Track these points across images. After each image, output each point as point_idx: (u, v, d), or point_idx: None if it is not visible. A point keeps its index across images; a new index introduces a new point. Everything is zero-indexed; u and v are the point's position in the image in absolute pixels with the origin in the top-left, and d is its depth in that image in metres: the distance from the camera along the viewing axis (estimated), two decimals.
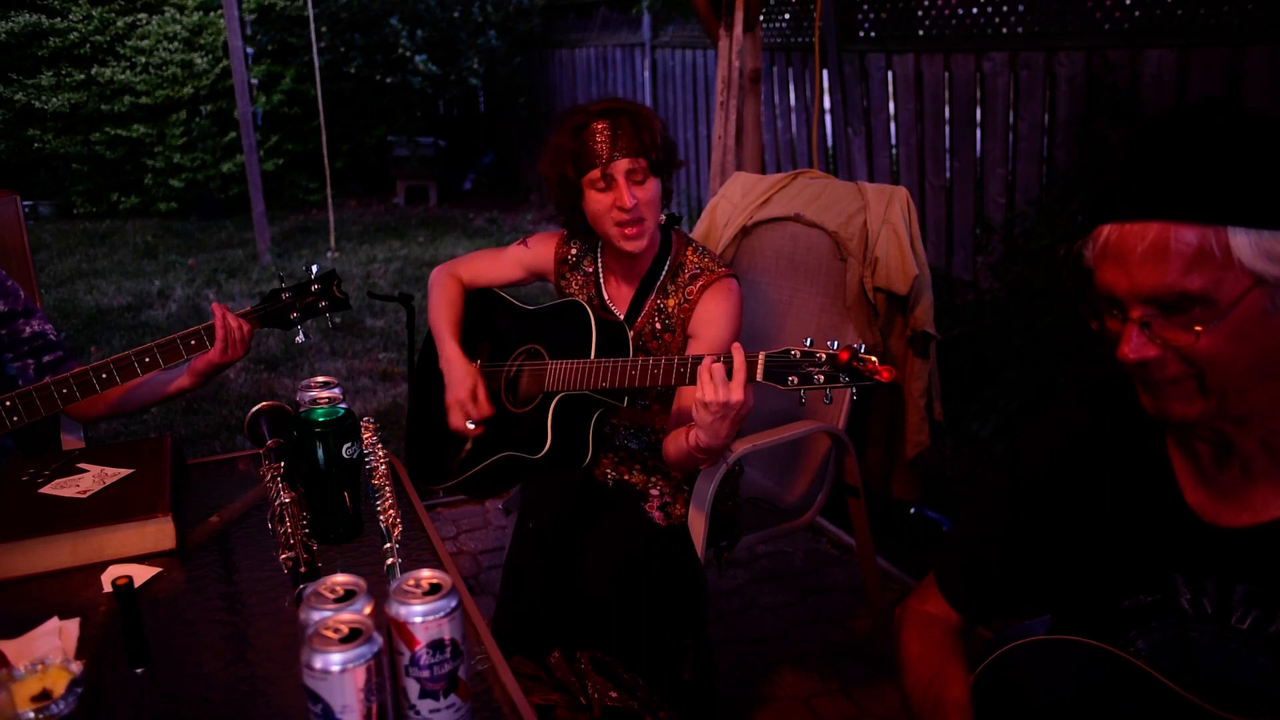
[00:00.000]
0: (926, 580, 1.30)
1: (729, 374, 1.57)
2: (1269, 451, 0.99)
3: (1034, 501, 1.17)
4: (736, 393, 1.56)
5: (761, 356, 1.57)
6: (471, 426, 1.97)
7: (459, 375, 2.00)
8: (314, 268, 1.87)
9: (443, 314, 2.11)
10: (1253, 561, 1.00)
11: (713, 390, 1.56)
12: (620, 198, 1.83)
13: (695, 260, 1.98)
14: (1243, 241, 0.88)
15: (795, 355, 1.55)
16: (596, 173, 1.83)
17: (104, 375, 1.72)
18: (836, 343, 1.53)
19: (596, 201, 1.87)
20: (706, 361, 1.59)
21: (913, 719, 1.16)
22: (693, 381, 1.65)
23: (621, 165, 1.83)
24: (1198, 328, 0.91)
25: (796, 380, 1.53)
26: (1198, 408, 0.96)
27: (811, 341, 1.55)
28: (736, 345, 1.60)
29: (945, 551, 1.29)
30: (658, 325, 1.98)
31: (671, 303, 1.97)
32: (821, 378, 1.52)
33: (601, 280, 2.06)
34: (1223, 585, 1.01)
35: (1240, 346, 0.92)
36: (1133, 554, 1.08)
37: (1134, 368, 0.97)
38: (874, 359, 1.50)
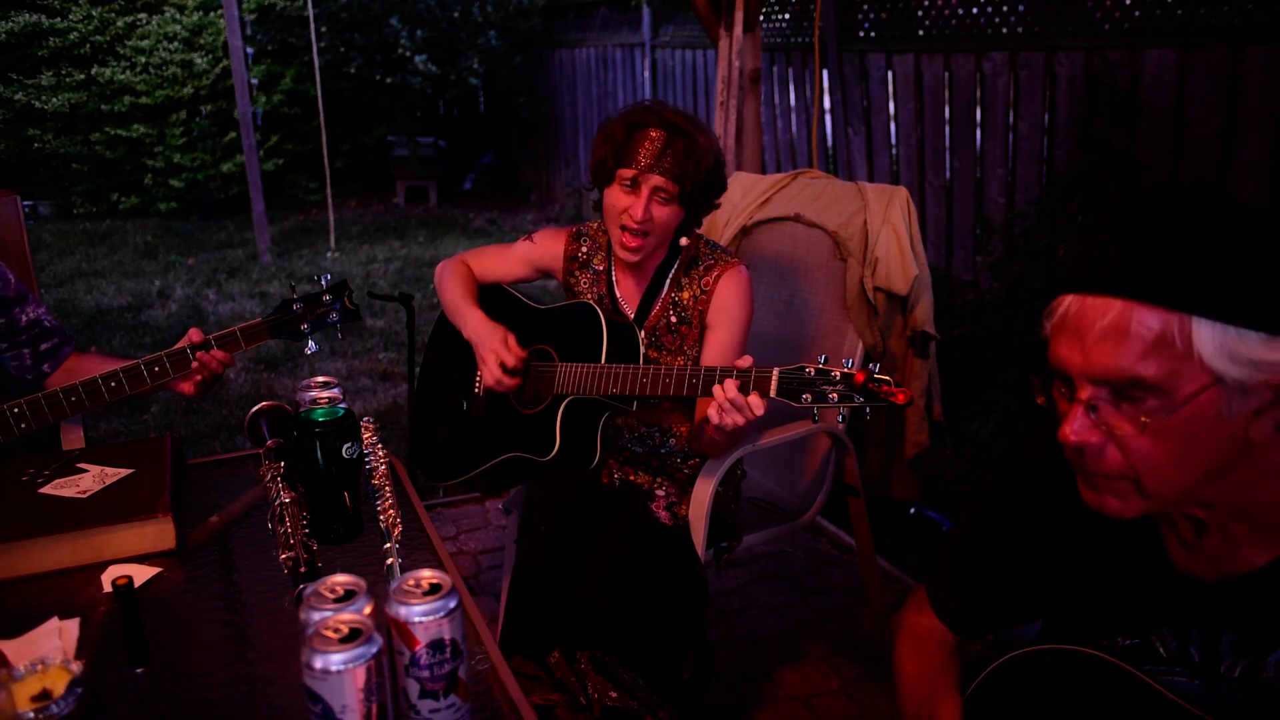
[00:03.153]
0: (920, 592, 1.29)
1: (743, 389, 1.60)
2: (1244, 520, 0.95)
3: (1024, 530, 1.15)
4: (746, 415, 1.61)
5: (775, 373, 1.58)
6: (509, 380, 1.93)
7: (487, 330, 1.99)
8: (325, 278, 1.87)
9: (459, 291, 2.10)
10: (1238, 611, 0.96)
11: (719, 415, 1.63)
12: (635, 209, 1.85)
13: (708, 252, 2.00)
14: (1206, 335, 0.83)
15: (810, 373, 1.55)
16: (630, 173, 1.85)
17: (113, 384, 1.72)
18: (851, 361, 1.55)
19: (616, 198, 1.89)
20: (718, 391, 1.62)
21: None
22: (705, 393, 1.66)
23: (653, 180, 1.84)
24: (1144, 419, 0.87)
25: (810, 398, 1.55)
26: (1136, 506, 0.93)
27: (826, 359, 1.55)
28: (748, 357, 1.63)
29: (935, 573, 1.27)
30: (673, 319, 1.99)
31: (687, 295, 1.98)
32: (836, 396, 1.53)
33: (613, 278, 2.06)
34: (1209, 636, 0.98)
35: (1184, 448, 0.87)
36: (1112, 604, 1.05)
37: (1072, 454, 0.93)
38: (889, 381, 1.50)
